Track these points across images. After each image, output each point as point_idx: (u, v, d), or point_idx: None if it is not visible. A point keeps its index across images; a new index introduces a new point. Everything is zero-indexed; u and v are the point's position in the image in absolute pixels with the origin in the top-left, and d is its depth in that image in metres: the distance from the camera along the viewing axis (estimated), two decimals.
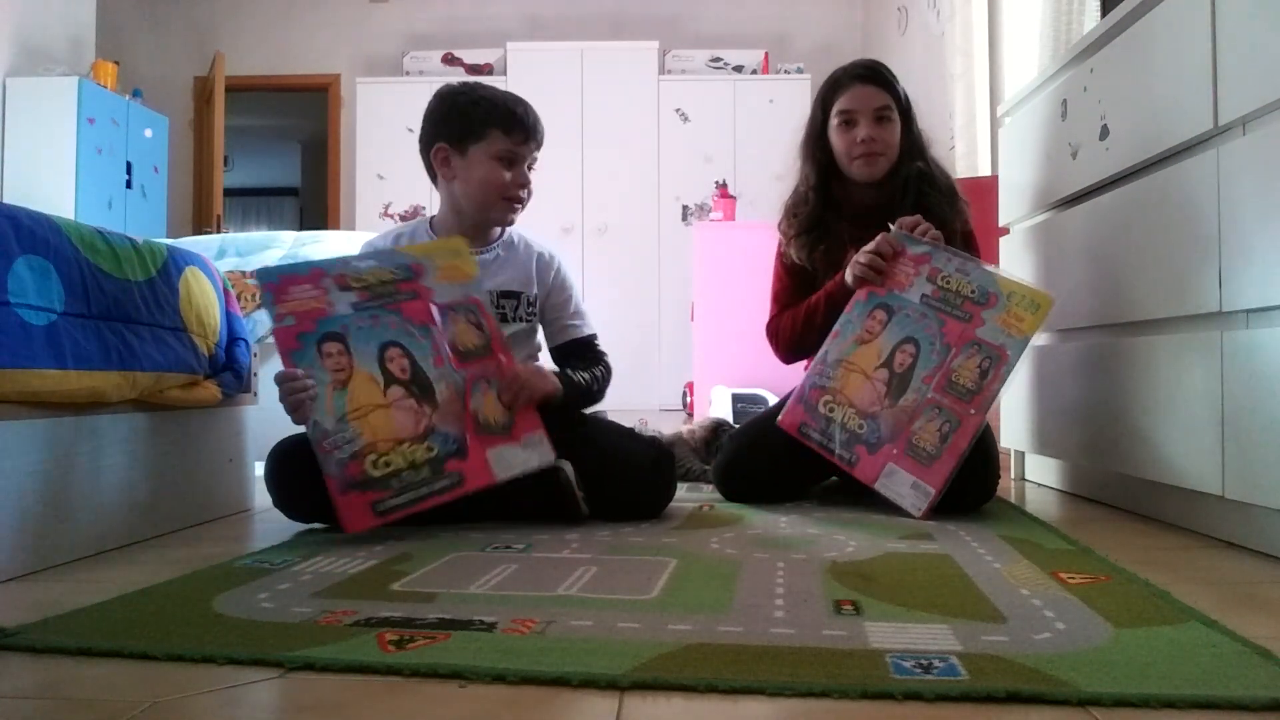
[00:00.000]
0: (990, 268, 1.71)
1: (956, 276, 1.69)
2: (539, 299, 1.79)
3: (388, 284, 1.55)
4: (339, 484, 1.46)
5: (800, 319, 1.90)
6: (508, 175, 1.69)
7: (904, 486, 1.64)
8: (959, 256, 1.71)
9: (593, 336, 1.85)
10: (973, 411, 1.62)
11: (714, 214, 4.47)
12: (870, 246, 1.75)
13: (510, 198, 1.71)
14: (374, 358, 1.52)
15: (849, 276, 1.78)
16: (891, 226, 1.76)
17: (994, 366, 1.62)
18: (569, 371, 1.72)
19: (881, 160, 1.85)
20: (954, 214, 1.85)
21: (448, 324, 1.56)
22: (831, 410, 1.74)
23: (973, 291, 1.67)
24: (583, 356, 1.81)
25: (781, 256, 1.99)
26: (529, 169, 1.73)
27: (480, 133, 1.68)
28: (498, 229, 1.79)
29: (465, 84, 1.75)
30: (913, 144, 1.89)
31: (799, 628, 0.96)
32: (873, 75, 1.87)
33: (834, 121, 1.88)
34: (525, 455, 1.53)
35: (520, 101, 1.73)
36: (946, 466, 1.61)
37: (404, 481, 1.47)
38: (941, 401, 1.64)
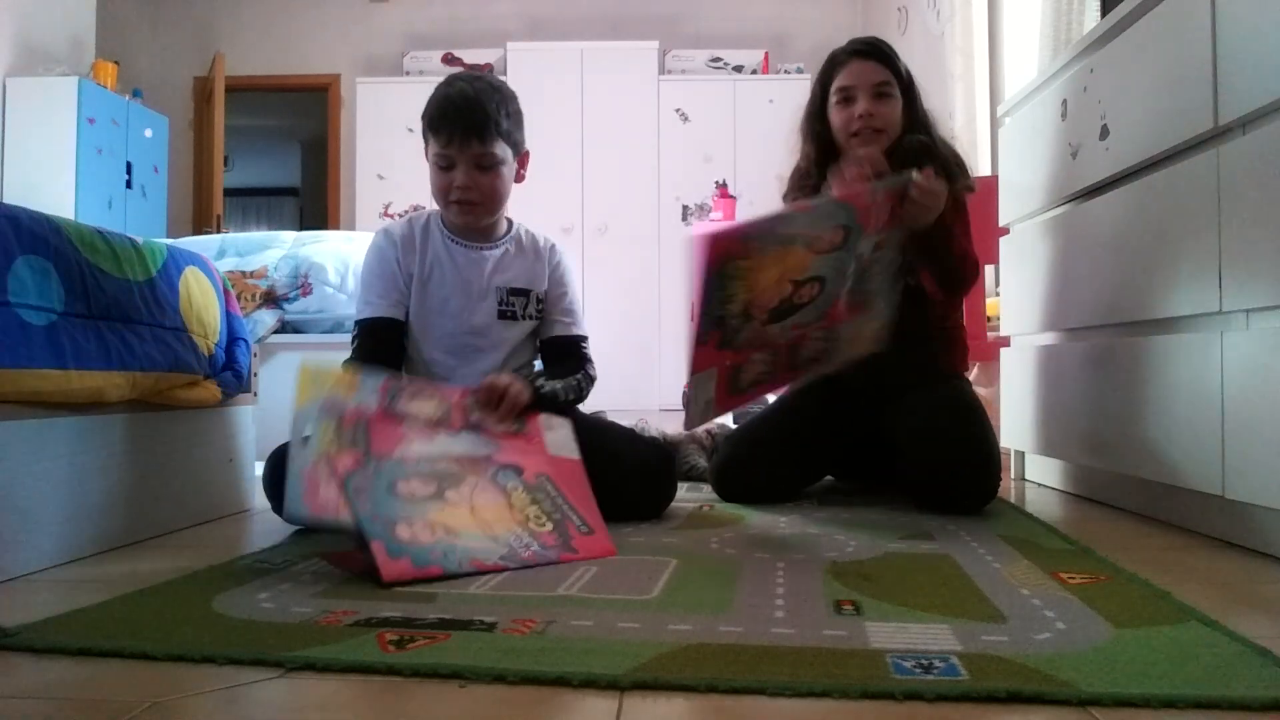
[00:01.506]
0: (891, 283, 1.55)
1: (878, 263, 1.50)
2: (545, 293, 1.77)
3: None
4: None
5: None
6: (445, 179, 1.64)
7: (699, 404, 1.49)
8: (896, 248, 1.53)
9: (580, 339, 1.79)
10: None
11: (714, 214, 4.48)
12: (869, 162, 1.59)
13: (453, 200, 1.65)
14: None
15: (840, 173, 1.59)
16: (916, 175, 1.51)
17: (820, 362, 1.57)
18: (542, 382, 1.65)
19: (881, 137, 1.79)
20: (958, 182, 1.74)
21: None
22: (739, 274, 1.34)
23: (871, 286, 1.52)
24: (567, 358, 1.76)
25: None
26: (482, 167, 1.63)
27: (427, 134, 1.65)
28: (503, 225, 1.77)
29: (452, 78, 1.66)
30: (916, 122, 1.83)
31: (799, 628, 0.96)
32: (871, 51, 1.82)
33: (833, 99, 1.83)
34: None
35: (455, 99, 1.61)
36: (737, 404, 1.61)
37: None
38: (780, 356, 1.51)
